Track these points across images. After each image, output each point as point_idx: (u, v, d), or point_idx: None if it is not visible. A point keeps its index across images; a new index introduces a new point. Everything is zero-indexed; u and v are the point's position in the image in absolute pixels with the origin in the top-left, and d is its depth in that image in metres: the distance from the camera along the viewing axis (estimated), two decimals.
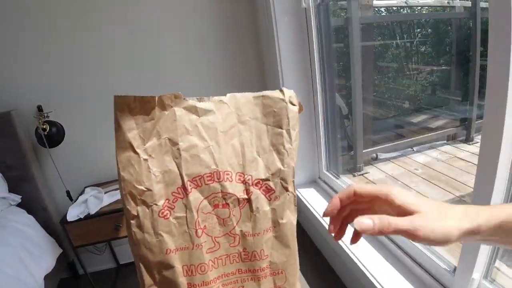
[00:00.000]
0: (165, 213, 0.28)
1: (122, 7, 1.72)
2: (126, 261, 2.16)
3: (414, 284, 1.11)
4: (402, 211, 0.37)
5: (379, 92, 3.44)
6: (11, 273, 1.35)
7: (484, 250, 0.90)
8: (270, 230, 0.30)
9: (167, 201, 0.28)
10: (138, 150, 0.29)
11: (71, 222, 1.53)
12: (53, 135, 1.71)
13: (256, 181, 0.29)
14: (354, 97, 2.16)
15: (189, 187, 0.29)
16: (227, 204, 0.29)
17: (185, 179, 0.29)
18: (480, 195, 0.84)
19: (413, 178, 2.49)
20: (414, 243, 1.17)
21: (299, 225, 1.60)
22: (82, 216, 1.55)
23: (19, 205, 1.74)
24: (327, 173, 1.79)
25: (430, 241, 0.35)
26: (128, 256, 2.14)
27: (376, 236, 0.33)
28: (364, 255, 1.26)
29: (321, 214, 1.50)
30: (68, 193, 1.77)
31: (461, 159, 2.70)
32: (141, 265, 0.30)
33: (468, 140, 3.00)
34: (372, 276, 1.16)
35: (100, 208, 1.60)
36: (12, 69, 1.70)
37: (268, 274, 0.30)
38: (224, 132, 0.30)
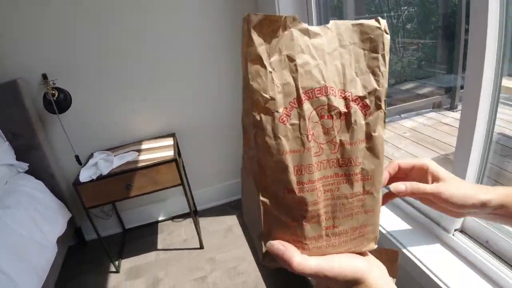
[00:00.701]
0: (283, 119, 0.33)
1: None
2: (131, 225, 2.25)
3: (407, 220, 1.26)
4: (432, 178, 0.48)
5: None
6: (25, 235, 1.39)
7: None
8: (364, 141, 0.35)
9: (285, 109, 0.33)
10: (265, 63, 0.32)
11: (83, 183, 1.59)
12: (60, 102, 1.74)
13: (355, 98, 0.34)
14: None
15: (303, 99, 0.33)
16: (331, 115, 0.34)
17: (300, 91, 0.33)
18: (461, 153, 1.01)
19: (402, 141, 2.65)
20: None
21: None
22: (94, 177, 1.61)
23: (26, 172, 1.78)
24: None
25: (449, 204, 0.45)
26: (133, 221, 2.24)
27: (407, 197, 0.42)
28: None
29: None
30: (77, 157, 1.82)
31: (445, 124, 2.88)
32: (257, 168, 0.34)
33: (452, 107, 3.17)
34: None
35: (111, 170, 1.67)
36: (16, 38, 1.70)
37: (359, 179, 0.35)
38: (329, 54, 0.34)
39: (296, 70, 0.33)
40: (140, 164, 1.67)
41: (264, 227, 0.34)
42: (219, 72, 2.04)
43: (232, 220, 2.18)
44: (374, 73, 0.35)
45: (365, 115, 0.35)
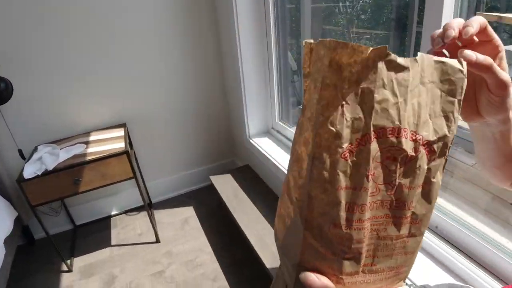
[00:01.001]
0: (345, 156, 0.30)
1: None
2: (83, 221, 2.13)
3: None
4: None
5: None
6: None
7: None
8: (421, 186, 0.33)
9: (349, 145, 0.30)
10: (339, 94, 0.30)
11: (28, 180, 1.47)
12: (1, 91, 1.58)
13: (425, 142, 0.32)
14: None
15: (372, 137, 0.31)
16: (396, 158, 0.32)
17: (371, 129, 0.30)
18: None
19: None
20: None
21: (251, 170, 1.71)
22: (39, 173, 1.49)
23: None
24: (280, 122, 1.92)
25: (495, 83, 0.40)
26: (84, 217, 2.12)
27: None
28: None
29: (276, 160, 1.64)
30: (20, 151, 1.67)
31: None
32: (306, 198, 0.32)
33: None
34: None
35: (57, 164, 1.56)
36: None
37: (408, 222, 0.34)
38: (411, 91, 0.32)
39: (372, 106, 0.30)
40: (89, 158, 1.58)
41: (301, 257, 0.33)
42: (168, 60, 1.97)
43: (188, 212, 2.14)
44: (447, 118, 0.33)
45: (429, 161, 0.33)
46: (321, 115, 0.30)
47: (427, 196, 0.34)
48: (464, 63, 0.32)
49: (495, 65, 0.38)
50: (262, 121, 2.00)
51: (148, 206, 1.85)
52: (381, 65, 0.30)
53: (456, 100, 0.33)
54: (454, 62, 0.32)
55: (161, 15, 1.86)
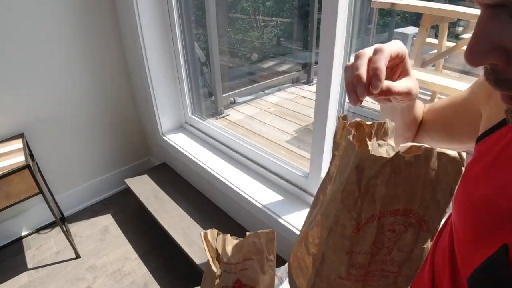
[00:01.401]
0: (356, 231, 0.38)
1: None
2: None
3: (279, 192, 1.35)
4: (402, 71, 0.47)
5: (232, 43, 3.63)
6: None
7: (326, 157, 1.16)
8: (413, 251, 0.40)
9: (359, 223, 0.37)
10: (362, 188, 0.35)
11: None
12: None
13: (421, 218, 0.37)
14: (211, 45, 2.27)
15: (380, 217, 0.37)
16: (395, 230, 0.38)
17: (380, 211, 0.37)
18: (319, 122, 1.13)
19: (267, 116, 2.82)
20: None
21: (169, 168, 1.67)
22: None
23: None
24: (193, 116, 1.89)
25: (406, 97, 0.46)
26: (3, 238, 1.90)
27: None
28: (232, 178, 1.46)
29: (192, 155, 1.63)
30: None
31: (304, 97, 3.18)
32: (320, 257, 0.41)
33: (308, 82, 3.51)
34: (245, 193, 1.36)
35: None
36: None
37: (396, 276, 0.41)
38: (416, 180, 0.37)
39: (385, 195, 0.35)
40: None
41: None
42: (65, 57, 1.80)
43: (107, 220, 2.02)
44: (438, 203, 0.37)
45: (423, 231, 0.38)
46: (341, 202, 0.36)
47: (416, 259, 0.40)
48: (463, 156, 0.35)
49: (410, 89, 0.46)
50: (175, 116, 1.96)
51: (61, 221, 1.71)
52: (401, 163, 0.35)
53: (450, 187, 0.36)
54: (454, 154, 0.35)
55: (53, 12, 1.69)
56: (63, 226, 1.74)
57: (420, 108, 0.63)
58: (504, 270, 0.35)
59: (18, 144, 1.65)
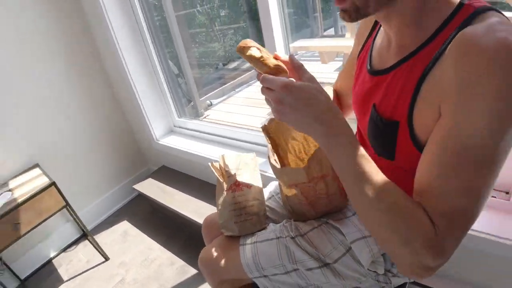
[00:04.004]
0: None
1: None
2: (27, 273, 2.11)
3: (262, 156, 1.67)
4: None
5: (199, 54, 3.97)
6: None
7: None
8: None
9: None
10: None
11: None
12: None
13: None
14: (181, 59, 2.58)
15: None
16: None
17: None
18: None
19: (242, 109, 3.16)
20: None
21: (168, 168, 1.98)
22: None
23: None
24: (179, 119, 2.21)
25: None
26: (27, 268, 2.11)
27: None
28: None
29: (186, 150, 1.94)
30: None
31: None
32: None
33: None
34: None
35: None
36: None
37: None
38: None
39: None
40: (21, 199, 1.66)
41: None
42: (67, 98, 2.10)
43: (124, 225, 2.30)
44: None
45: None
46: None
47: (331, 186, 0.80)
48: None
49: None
50: (164, 123, 2.27)
51: (86, 233, 1.98)
52: None
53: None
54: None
55: (37, 46, 1.95)
56: (90, 237, 2.01)
57: (328, 90, 0.97)
58: (376, 116, 0.68)
59: (36, 171, 1.93)
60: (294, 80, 0.60)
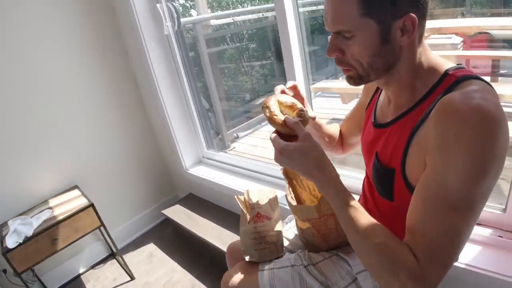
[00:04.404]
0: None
1: None
2: (56, 286, 2.25)
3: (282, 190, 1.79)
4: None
5: (228, 88, 4.21)
6: None
7: None
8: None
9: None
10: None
11: (12, 249, 1.66)
12: None
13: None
14: (212, 94, 2.80)
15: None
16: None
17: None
18: None
19: (265, 143, 3.31)
20: None
21: (195, 196, 2.13)
22: (20, 241, 1.70)
23: None
24: (208, 151, 2.38)
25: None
26: (56, 281, 2.26)
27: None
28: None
29: (213, 180, 2.09)
30: None
31: None
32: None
33: None
34: None
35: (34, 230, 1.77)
36: None
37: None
38: None
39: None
40: (62, 217, 1.84)
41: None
42: (106, 125, 2.32)
43: (150, 247, 2.44)
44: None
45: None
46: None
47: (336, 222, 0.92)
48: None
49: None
50: (194, 154, 2.44)
51: (115, 252, 2.12)
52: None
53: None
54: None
55: (82, 79, 2.18)
56: (118, 256, 2.16)
57: (335, 127, 1.14)
58: (377, 163, 0.81)
59: (75, 192, 2.12)
60: (300, 123, 0.76)
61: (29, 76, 1.97)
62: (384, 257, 0.63)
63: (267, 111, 0.79)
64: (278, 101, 0.82)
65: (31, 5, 1.91)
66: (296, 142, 0.73)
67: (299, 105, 0.83)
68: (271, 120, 0.77)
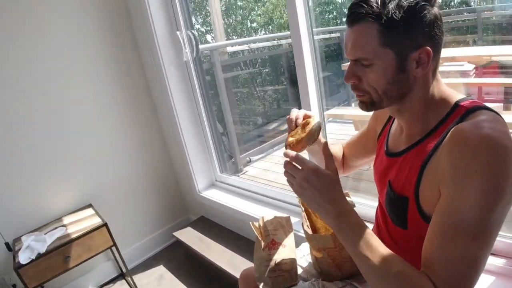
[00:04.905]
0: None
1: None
2: None
3: (294, 215, 1.79)
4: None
5: (241, 112, 4.28)
6: None
7: None
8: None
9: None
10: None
11: (24, 265, 1.68)
12: None
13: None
14: (226, 118, 2.85)
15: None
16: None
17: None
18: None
19: (278, 167, 3.31)
20: None
21: (207, 219, 2.14)
22: (33, 257, 1.71)
23: None
24: (222, 174, 2.40)
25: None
26: None
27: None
28: (259, 213, 1.91)
29: (225, 204, 2.10)
30: (7, 244, 1.86)
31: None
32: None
33: None
34: None
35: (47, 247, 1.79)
36: None
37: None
38: None
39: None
40: (75, 235, 1.86)
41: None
42: (114, 139, 2.35)
43: (160, 269, 2.43)
44: None
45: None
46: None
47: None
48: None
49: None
50: (207, 177, 2.46)
51: (125, 272, 2.12)
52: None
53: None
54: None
55: (101, 101, 2.24)
56: (128, 276, 2.16)
57: (338, 148, 1.18)
58: (390, 191, 0.81)
59: (90, 211, 2.14)
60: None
61: (48, 96, 2.04)
62: (405, 285, 0.63)
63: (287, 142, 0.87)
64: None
65: (56, 31, 2.01)
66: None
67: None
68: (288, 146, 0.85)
